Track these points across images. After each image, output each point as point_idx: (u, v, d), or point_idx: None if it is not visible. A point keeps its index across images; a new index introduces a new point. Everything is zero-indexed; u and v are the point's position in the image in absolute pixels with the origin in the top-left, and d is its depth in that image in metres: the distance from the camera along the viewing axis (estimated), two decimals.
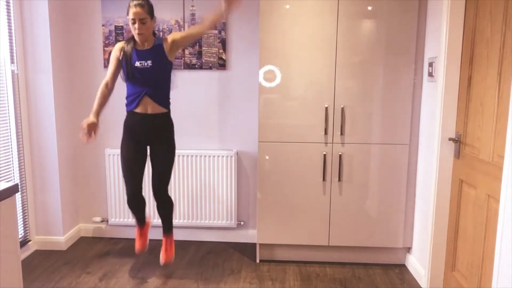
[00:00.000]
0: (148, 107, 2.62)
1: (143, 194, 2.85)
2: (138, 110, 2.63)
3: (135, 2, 2.47)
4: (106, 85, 2.64)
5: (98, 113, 2.60)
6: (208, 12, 3.16)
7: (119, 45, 2.64)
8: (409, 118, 2.91)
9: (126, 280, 2.85)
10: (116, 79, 2.67)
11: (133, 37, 2.62)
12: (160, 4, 3.24)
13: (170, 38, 2.64)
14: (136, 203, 2.79)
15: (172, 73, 2.73)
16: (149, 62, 2.57)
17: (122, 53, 2.60)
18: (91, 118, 2.55)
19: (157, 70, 2.60)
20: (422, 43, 2.85)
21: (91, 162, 3.50)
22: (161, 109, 2.66)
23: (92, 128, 2.54)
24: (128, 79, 2.60)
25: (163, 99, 2.67)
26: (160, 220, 2.90)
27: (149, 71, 2.58)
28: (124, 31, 3.31)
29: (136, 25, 2.48)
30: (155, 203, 2.85)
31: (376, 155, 2.96)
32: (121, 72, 2.64)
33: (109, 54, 3.33)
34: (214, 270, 3.01)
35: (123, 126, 2.72)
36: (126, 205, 3.00)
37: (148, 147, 2.75)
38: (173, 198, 3.39)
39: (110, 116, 3.41)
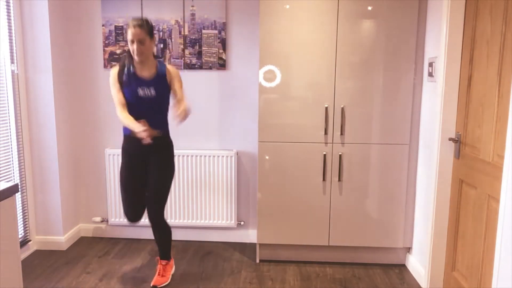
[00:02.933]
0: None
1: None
2: (135, 135, 2.49)
3: (134, 23, 2.42)
4: (124, 106, 2.52)
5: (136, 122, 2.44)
6: (209, 7, 3.15)
7: (115, 70, 2.55)
8: (409, 118, 2.91)
9: (126, 280, 2.85)
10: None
11: (129, 57, 2.55)
12: (160, 4, 3.24)
13: (172, 76, 2.58)
14: (134, 221, 2.73)
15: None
16: (153, 92, 2.52)
17: (121, 76, 2.53)
18: (142, 127, 2.35)
19: (160, 99, 2.56)
20: (422, 43, 2.85)
21: (91, 162, 3.50)
22: (159, 133, 2.58)
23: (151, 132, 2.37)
24: (129, 103, 2.53)
25: (162, 124, 2.61)
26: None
27: (151, 100, 2.53)
28: (124, 31, 3.31)
29: (135, 46, 2.43)
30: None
31: (376, 155, 2.96)
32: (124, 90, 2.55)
33: (109, 54, 3.34)
34: (214, 270, 3.01)
35: (121, 152, 2.66)
36: None
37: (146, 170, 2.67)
38: (173, 198, 3.39)
39: (110, 116, 3.41)
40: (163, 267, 2.82)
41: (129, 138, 2.60)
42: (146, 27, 2.44)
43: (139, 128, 2.33)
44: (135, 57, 2.48)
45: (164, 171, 2.65)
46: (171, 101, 2.68)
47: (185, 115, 2.38)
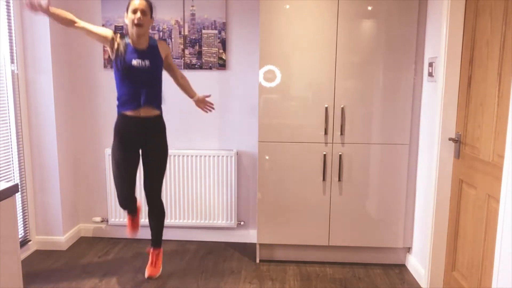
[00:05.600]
0: (141, 110, 2.58)
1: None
2: (130, 113, 2.58)
3: None
4: (72, 21, 2.44)
5: (50, 12, 2.34)
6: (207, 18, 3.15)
7: (113, 34, 2.57)
8: (409, 118, 2.91)
9: (126, 280, 2.85)
10: (81, 33, 2.52)
11: (126, 35, 2.58)
12: (160, 4, 3.24)
13: (166, 51, 2.68)
14: (128, 205, 2.78)
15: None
16: (147, 62, 2.55)
17: (113, 38, 2.54)
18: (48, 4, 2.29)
19: (154, 71, 2.59)
20: (422, 43, 2.85)
21: (91, 162, 3.50)
22: (153, 112, 2.63)
23: (41, 9, 2.28)
24: (122, 76, 2.54)
25: (156, 101, 2.64)
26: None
27: (146, 71, 2.55)
28: (124, 31, 3.31)
29: (138, 14, 2.45)
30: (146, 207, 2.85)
31: (376, 155, 2.96)
32: (114, 63, 2.55)
33: (109, 55, 3.33)
34: (214, 270, 3.01)
35: (114, 130, 2.65)
36: None
37: (140, 150, 2.71)
38: (173, 198, 3.39)
39: (110, 116, 3.41)
40: (156, 256, 2.87)
41: (123, 116, 2.61)
42: (149, 2, 2.54)
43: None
44: (134, 29, 2.48)
45: (160, 156, 2.73)
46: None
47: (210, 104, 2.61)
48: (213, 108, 2.90)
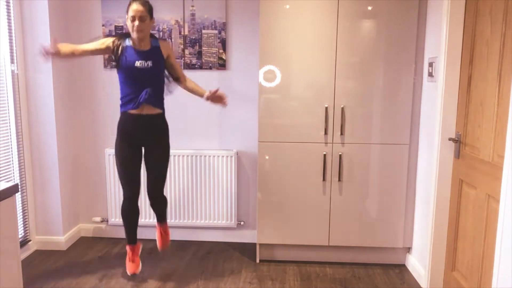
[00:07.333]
0: (144, 108, 2.62)
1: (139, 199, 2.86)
2: (133, 111, 2.62)
3: (136, 1, 2.51)
4: (74, 52, 2.52)
5: (61, 54, 2.47)
6: (210, 9, 3.16)
7: (111, 38, 2.63)
8: (409, 118, 2.91)
9: (126, 280, 2.85)
10: (85, 57, 2.58)
11: (126, 35, 2.62)
12: (160, 4, 3.24)
13: (168, 51, 2.70)
14: (132, 208, 2.78)
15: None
16: (150, 63, 2.58)
17: (115, 46, 2.58)
18: (58, 48, 2.42)
19: (156, 71, 2.62)
20: (422, 43, 2.85)
21: (91, 162, 3.50)
22: (156, 110, 2.67)
23: (53, 54, 2.42)
24: (126, 77, 2.60)
25: (159, 100, 2.68)
26: (155, 220, 2.96)
27: (148, 72, 2.59)
28: (124, 31, 3.31)
29: (136, 22, 2.49)
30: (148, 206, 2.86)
31: (376, 155, 2.96)
32: (118, 64, 2.60)
33: (109, 55, 3.33)
34: (214, 270, 3.01)
35: (118, 128, 2.71)
36: None
37: (143, 148, 2.75)
38: (173, 198, 3.39)
39: (110, 116, 3.41)
40: (163, 227, 2.96)
41: (126, 114, 2.65)
42: (147, 5, 2.53)
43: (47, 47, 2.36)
44: (134, 35, 2.53)
45: (163, 155, 2.77)
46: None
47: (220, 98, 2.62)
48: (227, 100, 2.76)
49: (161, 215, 2.94)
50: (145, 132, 2.67)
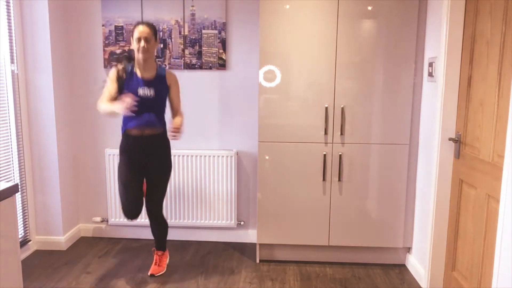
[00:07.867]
0: (145, 129, 2.65)
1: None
2: (134, 132, 2.65)
3: (141, 22, 2.60)
4: (110, 99, 2.59)
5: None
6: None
7: (114, 69, 2.65)
8: (409, 118, 2.91)
9: (126, 280, 2.85)
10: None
11: (129, 59, 2.66)
12: (160, 4, 3.24)
13: (171, 82, 2.70)
14: (131, 218, 2.77)
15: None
16: (152, 92, 2.62)
17: (120, 74, 2.62)
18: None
19: (158, 100, 2.66)
20: (422, 43, 2.85)
21: (91, 162, 3.50)
22: (157, 130, 2.70)
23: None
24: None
25: (160, 121, 2.70)
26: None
27: (150, 101, 2.62)
28: (124, 31, 3.31)
29: (142, 43, 2.53)
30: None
31: (376, 155, 2.96)
32: (121, 89, 2.63)
33: (109, 54, 3.34)
34: (214, 270, 3.01)
35: (119, 149, 2.73)
36: None
37: (144, 167, 2.75)
38: (173, 198, 3.39)
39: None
40: (159, 257, 2.95)
41: (128, 136, 2.69)
42: (152, 28, 2.60)
43: (120, 106, 2.38)
44: (140, 55, 2.57)
45: (164, 168, 2.77)
46: (168, 115, 2.78)
47: (180, 132, 2.53)
48: (178, 134, 2.55)
49: (159, 242, 2.92)
50: (146, 151, 2.70)
